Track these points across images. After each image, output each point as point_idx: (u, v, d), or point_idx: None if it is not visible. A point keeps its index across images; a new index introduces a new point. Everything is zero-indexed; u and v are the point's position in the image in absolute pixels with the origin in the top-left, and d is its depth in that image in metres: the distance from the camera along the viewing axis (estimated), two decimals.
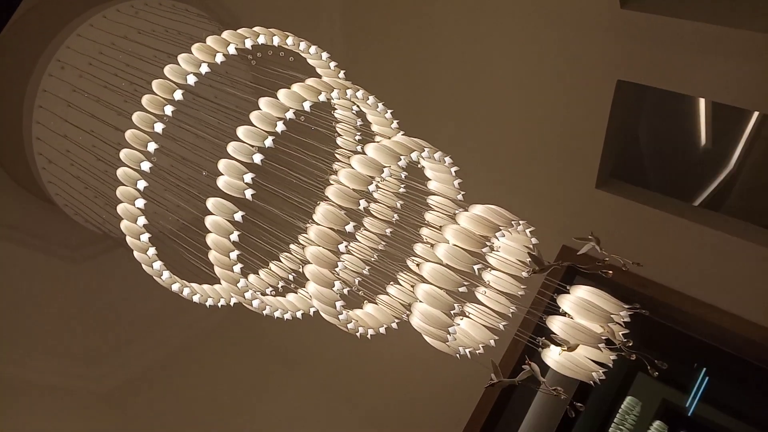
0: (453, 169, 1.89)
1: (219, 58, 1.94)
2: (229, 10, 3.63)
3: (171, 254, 2.09)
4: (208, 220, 1.77)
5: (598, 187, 3.45)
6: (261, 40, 2.01)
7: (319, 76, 2.08)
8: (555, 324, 1.48)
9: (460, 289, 1.58)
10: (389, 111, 2.07)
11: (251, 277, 2.02)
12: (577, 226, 3.08)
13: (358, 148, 2.10)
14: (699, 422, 5.92)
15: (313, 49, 2.14)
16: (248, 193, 1.71)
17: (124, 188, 1.92)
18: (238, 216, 1.74)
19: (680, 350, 4.38)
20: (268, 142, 1.71)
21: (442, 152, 1.85)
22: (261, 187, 1.75)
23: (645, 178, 5.23)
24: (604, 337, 1.45)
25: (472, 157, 3.51)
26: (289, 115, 1.76)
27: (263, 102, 1.77)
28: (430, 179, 1.93)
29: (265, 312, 2.06)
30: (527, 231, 1.67)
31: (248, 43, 2.01)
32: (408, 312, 1.68)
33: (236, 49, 1.98)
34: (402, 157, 1.71)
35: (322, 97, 1.82)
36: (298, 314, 2.10)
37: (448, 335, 1.59)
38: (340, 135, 2.21)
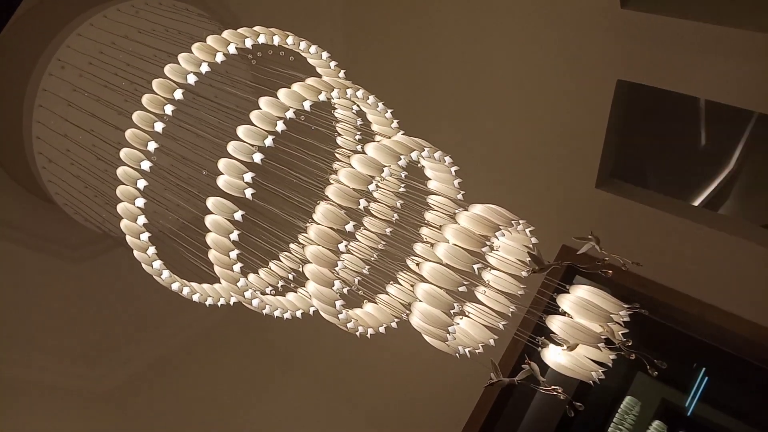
0: (453, 169, 1.89)
1: (219, 58, 1.94)
2: (229, 9, 3.63)
3: (171, 253, 2.09)
4: (208, 220, 1.77)
5: (598, 187, 3.45)
6: (261, 39, 2.02)
7: (320, 76, 2.08)
8: (555, 323, 1.48)
9: (460, 289, 1.58)
10: (389, 110, 2.07)
11: (251, 277, 2.02)
12: (577, 226, 3.08)
13: (358, 147, 2.10)
14: (698, 422, 5.93)
15: (313, 48, 2.14)
16: (248, 193, 1.71)
17: (124, 187, 1.92)
18: (238, 215, 1.74)
19: (680, 350, 4.38)
20: (268, 141, 1.71)
21: (441, 152, 1.85)
22: (261, 187, 1.75)
23: (645, 177, 5.23)
24: (603, 337, 1.45)
25: (472, 156, 3.52)
26: (289, 114, 1.76)
27: (263, 101, 1.77)
28: (430, 179, 1.94)
29: (264, 311, 2.06)
30: (527, 230, 1.67)
31: (248, 43, 2.01)
32: (408, 311, 1.68)
33: (236, 48, 1.98)
34: (402, 157, 1.71)
35: (322, 97, 1.82)
36: (298, 313, 2.10)
37: (447, 335, 1.59)
38: (340, 134, 2.21)
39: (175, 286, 2.10)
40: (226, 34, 1.99)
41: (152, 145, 1.87)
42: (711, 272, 3.17)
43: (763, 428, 5.39)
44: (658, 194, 3.54)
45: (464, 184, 1.92)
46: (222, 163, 1.73)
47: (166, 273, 2.07)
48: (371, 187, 1.66)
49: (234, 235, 1.76)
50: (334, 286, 1.70)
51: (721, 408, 5.81)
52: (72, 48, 2.79)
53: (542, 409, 4.30)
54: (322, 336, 3.68)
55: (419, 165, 1.92)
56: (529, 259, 1.62)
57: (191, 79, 1.90)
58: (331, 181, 1.71)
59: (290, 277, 2.08)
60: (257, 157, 1.71)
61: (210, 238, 1.80)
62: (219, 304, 2.13)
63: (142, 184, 1.91)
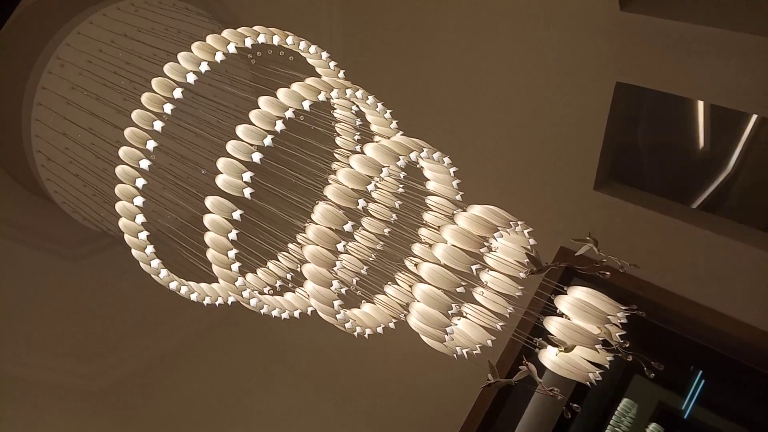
0: (452, 170, 1.90)
1: (219, 57, 1.94)
2: (229, 9, 3.63)
3: (169, 252, 2.09)
4: (207, 219, 1.77)
5: (596, 189, 3.46)
6: (261, 39, 2.02)
7: (319, 76, 2.08)
8: (552, 325, 1.49)
9: (458, 290, 1.58)
10: (388, 111, 2.08)
11: (249, 276, 2.02)
12: (575, 228, 3.08)
13: (357, 147, 2.10)
14: (695, 425, 5.93)
15: (312, 48, 2.14)
16: (247, 192, 1.72)
17: (122, 186, 1.92)
18: (236, 215, 1.74)
19: (676, 352, 4.38)
20: (268, 141, 1.71)
21: (440, 152, 1.85)
22: (260, 186, 1.75)
23: (643, 180, 5.24)
24: (600, 338, 1.46)
25: (471, 157, 3.52)
26: (289, 114, 1.76)
27: (263, 101, 1.77)
28: (428, 179, 1.94)
29: (262, 311, 2.06)
30: (525, 232, 1.67)
31: (248, 42, 2.01)
32: (406, 312, 1.69)
33: (236, 47, 1.98)
34: (401, 157, 1.71)
35: (321, 97, 1.82)
36: (296, 313, 2.10)
37: (445, 335, 1.59)
38: (339, 134, 2.21)
39: (173, 285, 2.10)
40: (226, 33, 1.99)
41: (151, 144, 1.87)
42: (708, 275, 3.17)
43: (760, 431, 5.39)
44: (656, 196, 3.54)
45: (463, 185, 1.92)
46: (221, 163, 1.73)
47: (164, 272, 2.07)
48: (370, 187, 1.66)
49: (232, 235, 1.76)
50: (332, 286, 1.70)
51: (717, 411, 5.81)
52: (71, 46, 2.79)
53: (539, 410, 4.30)
54: (319, 336, 3.68)
55: (418, 165, 1.92)
56: (527, 260, 1.62)
57: (191, 78, 1.91)
58: (330, 181, 1.71)
59: (288, 276, 2.08)
60: (256, 157, 1.71)
61: (208, 237, 1.80)
62: (217, 303, 2.14)
63: (140, 182, 1.91)
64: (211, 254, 1.83)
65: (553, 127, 3.52)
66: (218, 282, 1.95)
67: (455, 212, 1.67)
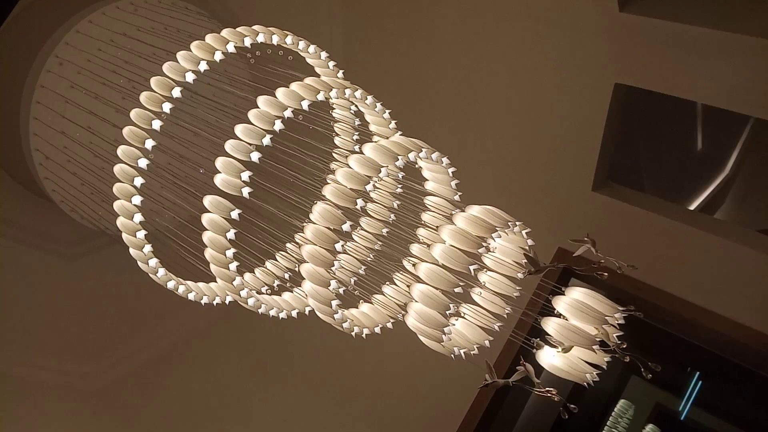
0: (450, 170, 1.90)
1: (218, 56, 1.94)
2: (228, 8, 3.63)
3: (167, 252, 2.09)
4: (205, 218, 1.77)
5: (594, 190, 3.46)
6: (260, 38, 2.02)
7: (318, 76, 2.08)
8: (550, 325, 1.49)
9: (456, 290, 1.58)
10: (387, 111, 2.08)
11: (247, 276, 2.02)
12: (573, 228, 3.09)
13: (356, 147, 2.10)
14: (692, 426, 5.94)
15: (312, 48, 2.14)
16: (245, 192, 1.72)
17: (120, 185, 1.92)
18: (234, 214, 1.74)
19: (674, 353, 4.39)
20: (266, 140, 1.71)
21: (439, 153, 1.85)
22: (258, 186, 1.75)
23: (641, 181, 5.25)
24: (598, 339, 1.46)
25: (470, 157, 3.52)
26: (288, 113, 1.76)
27: (262, 100, 1.77)
28: (427, 179, 1.94)
29: (260, 311, 2.06)
30: (523, 232, 1.67)
31: (247, 42, 2.01)
32: (403, 312, 1.69)
33: (235, 47, 1.98)
34: (399, 157, 1.71)
35: (320, 96, 1.82)
36: (294, 313, 2.10)
37: (443, 335, 1.59)
38: (338, 134, 2.21)
39: (170, 285, 2.09)
40: (225, 32, 1.99)
41: (150, 143, 1.87)
42: (706, 276, 3.18)
43: None
44: (655, 198, 3.55)
45: (461, 186, 1.92)
46: (220, 162, 1.73)
47: (161, 271, 2.06)
48: (368, 187, 1.66)
49: (231, 234, 1.76)
50: (330, 286, 1.70)
51: (714, 412, 5.83)
52: (70, 45, 2.79)
53: (536, 410, 4.30)
54: (317, 336, 3.68)
55: (417, 166, 1.92)
56: (525, 260, 1.62)
57: (190, 78, 1.90)
58: (329, 181, 1.72)
59: (286, 276, 2.08)
60: (255, 156, 1.71)
61: (207, 236, 1.80)
62: (215, 303, 2.13)
63: (139, 181, 1.91)
64: (209, 253, 1.83)
65: (551, 127, 3.53)
66: (216, 281, 1.95)
67: (454, 212, 1.67)
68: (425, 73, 3.89)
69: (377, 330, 1.94)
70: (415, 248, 1.83)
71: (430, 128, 3.75)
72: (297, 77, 1.88)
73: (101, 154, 2.27)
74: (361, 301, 1.94)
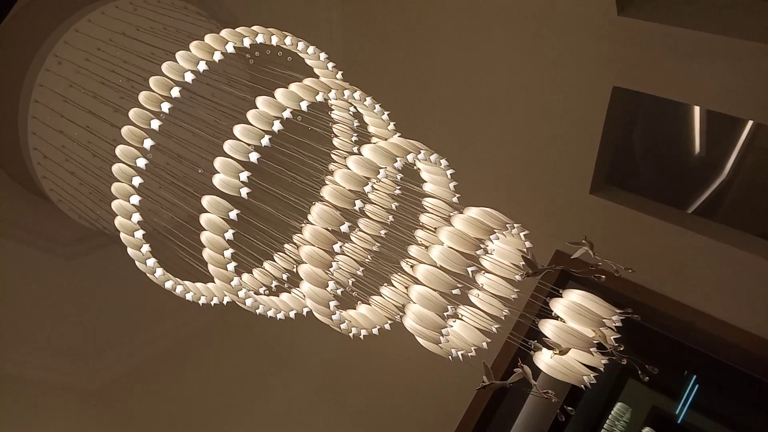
0: (449, 172, 1.90)
1: (217, 57, 1.94)
2: (227, 9, 3.63)
3: (165, 252, 2.09)
4: (203, 218, 1.77)
5: (592, 193, 3.47)
6: (259, 39, 2.02)
7: (317, 77, 2.08)
8: (547, 327, 1.49)
9: (454, 292, 1.58)
10: (386, 112, 2.08)
11: (245, 276, 2.02)
12: (571, 231, 3.09)
13: (355, 148, 2.10)
14: (688, 429, 5.94)
15: (311, 49, 2.14)
16: (244, 192, 1.71)
17: (119, 184, 1.92)
18: (233, 214, 1.74)
19: (671, 357, 4.40)
20: (265, 141, 1.71)
21: (437, 154, 1.85)
22: (257, 186, 1.75)
23: (639, 184, 5.26)
24: (595, 342, 1.46)
25: (468, 159, 3.52)
26: (286, 114, 1.76)
27: (260, 101, 1.77)
28: (425, 181, 1.94)
29: (258, 311, 2.06)
30: (521, 234, 1.67)
31: (246, 42, 2.01)
32: (401, 313, 1.69)
33: (234, 47, 1.98)
34: (398, 159, 1.71)
35: (319, 98, 1.82)
36: (291, 314, 2.10)
37: (440, 337, 1.59)
38: (336, 135, 2.21)
39: (168, 285, 2.09)
40: (225, 33, 1.99)
41: (148, 143, 1.87)
42: (703, 280, 3.18)
43: None
44: (652, 201, 3.56)
45: (460, 187, 1.93)
46: (218, 162, 1.73)
47: (159, 271, 2.06)
48: (367, 188, 1.66)
49: (229, 234, 1.76)
50: (328, 286, 1.70)
51: (711, 416, 5.83)
52: (69, 44, 2.79)
53: (534, 412, 4.30)
54: (315, 337, 3.67)
55: (415, 167, 1.92)
56: (523, 262, 1.62)
57: (188, 78, 1.90)
58: (327, 182, 1.72)
59: (284, 277, 2.08)
60: (253, 157, 1.71)
61: (205, 236, 1.79)
62: (212, 303, 2.13)
63: (137, 181, 1.90)
64: (207, 254, 1.83)
65: (550, 130, 3.53)
66: (214, 281, 1.95)
67: (452, 214, 1.67)
68: (424, 76, 3.89)
69: (375, 331, 1.94)
70: (413, 250, 1.83)
71: (429, 130, 3.75)
72: (296, 78, 1.89)
73: (100, 153, 2.27)
74: (359, 302, 1.94)
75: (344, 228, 1.65)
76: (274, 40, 2.05)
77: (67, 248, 3.41)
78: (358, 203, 1.68)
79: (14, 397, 3.10)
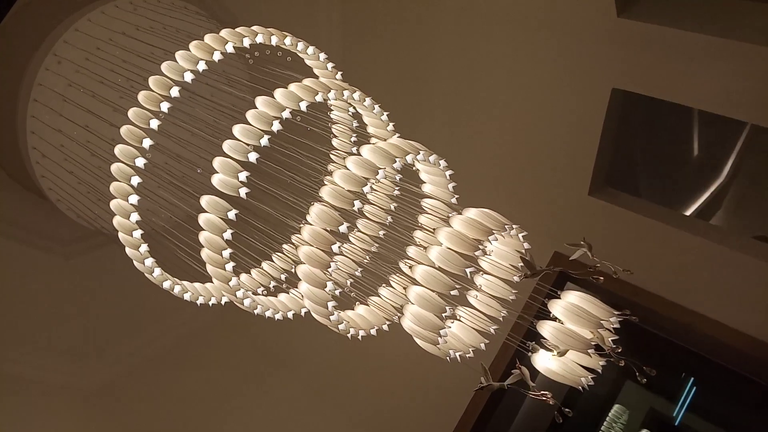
0: (448, 173, 1.90)
1: (217, 56, 1.94)
2: (227, 9, 3.63)
3: (163, 251, 2.09)
4: (202, 218, 1.77)
5: (590, 194, 3.47)
6: (259, 39, 2.02)
7: (317, 77, 2.08)
8: (545, 329, 1.49)
9: (452, 292, 1.58)
10: (385, 113, 2.08)
11: (243, 276, 2.02)
12: (569, 233, 3.10)
13: (354, 149, 2.10)
14: None
15: (310, 49, 2.14)
16: (243, 192, 1.71)
17: (117, 184, 1.92)
18: (231, 214, 1.74)
19: (668, 359, 4.40)
20: (264, 141, 1.71)
21: (437, 155, 1.85)
22: (255, 186, 1.75)
23: (638, 186, 5.27)
24: (593, 343, 1.46)
25: (467, 160, 3.53)
26: (286, 114, 1.76)
27: (260, 101, 1.77)
28: (424, 182, 1.94)
29: (256, 311, 2.06)
30: (520, 235, 1.67)
31: (246, 42, 2.01)
32: (399, 314, 1.69)
33: (234, 47, 1.98)
34: (397, 159, 1.71)
35: (318, 98, 1.82)
36: (290, 314, 2.10)
37: (438, 338, 1.60)
38: (335, 136, 2.21)
39: (166, 285, 2.09)
40: (224, 32, 1.99)
41: (147, 142, 1.87)
42: (701, 282, 3.19)
43: None
44: (651, 203, 3.56)
45: (458, 188, 1.93)
46: (217, 162, 1.73)
47: (157, 271, 2.06)
48: (366, 189, 1.66)
49: (227, 234, 1.76)
50: (326, 287, 1.70)
51: (708, 418, 5.83)
52: (69, 43, 2.79)
53: (531, 414, 4.31)
54: (312, 338, 3.67)
55: (414, 168, 1.92)
56: (522, 264, 1.62)
57: (188, 77, 1.90)
58: (326, 182, 1.72)
59: (282, 277, 2.08)
60: (252, 157, 1.71)
61: (203, 236, 1.79)
62: (210, 303, 2.13)
63: (136, 180, 1.90)
64: (205, 253, 1.82)
65: (549, 132, 3.53)
66: (212, 282, 1.95)
67: (450, 215, 1.67)
68: (423, 77, 3.90)
69: (373, 332, 1.94)
70: (411, 250, 1.83)
71: (428, 131, 3.75)
72: (295, 78, 1.89)
73: (98, 152, 2.27)
74: (357, 302, 1.94)
75: (343, 228, 1.65)
76: (274, 40, 2.05)
77: (66, 247, 3.41)
78: (357, 204, 1.68)
79: (11, 396, 3.10)
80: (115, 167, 1.92)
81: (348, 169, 1.68)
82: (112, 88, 2.40)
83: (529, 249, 1.68)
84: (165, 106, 1.87)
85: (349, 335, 1.89)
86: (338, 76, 2.18)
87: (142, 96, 1.89)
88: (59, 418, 3.33)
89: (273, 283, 2.06)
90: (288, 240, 1.99)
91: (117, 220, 1.96)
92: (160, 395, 3.73)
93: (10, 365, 3.15)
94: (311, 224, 1.65)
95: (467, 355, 1.70)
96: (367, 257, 2.00)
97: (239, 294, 1.96)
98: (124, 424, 3.53)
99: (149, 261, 2.03)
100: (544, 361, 1.51)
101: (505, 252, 1.72)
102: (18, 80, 2.78)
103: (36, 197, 3.18)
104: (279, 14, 3.72)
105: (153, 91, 1.88)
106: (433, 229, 1.68)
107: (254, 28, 2.04)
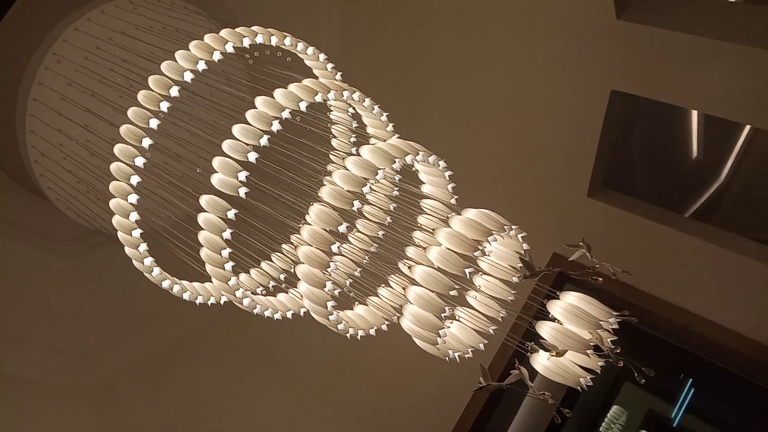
0: (447, 174, 1.90)
1: (216, 56, 1.94)
2: (227, 8, 3.63)
3: (162, 251, 2.09)
4: (201, 218, 1.77)
5: (589, 196, 3.47)
6: (259, 39, 2.02)
7: (316, 77, 2.08)
8: (544, 329, 1.49)
9: (451, 293, 1.58)
10: (385, 114, 2.08)
11: (242, 276, 2.02)
12: (568, 234, 3.09)
13: (353, 149, 2.10)
14: None
15: (310, 50, 2.14)
16: (242, 192, 1.71)
17: (117, 183, 1.92)
18: (231, 214, 1.74)
19: (667, 360, 4.40)
20: (264, 141, 1.71)
21: (436, 156, 1.85)
22: (255, 186, 1.75)
23: (636, 187, 5.27)
24: (592, 344, 1.46)
25: (466, 161, 3.53)
26: (285, 114, 1.76)
27: (259, 101, 1.77)
28: (423, 182, 1.94)
29: (255, 311, 2.06)
30: (519, 236, 1.68)
31: (246, 42, 2.01)
32: (399, 314, 1.69)
33: (234, 47, 1.98)
34: (396, 160, 1.72)
35: (318, 98, 1.82)
36: (289, 314, 2.10)
37: (437, 338, 1.60)
38: (335, 136, 2.21)
39: (165, 284, 2.09)
40: (224, 32, 1.99)
41: (147, 142, 1.87)
42: (700, 283, 3.19)
43: None
44: (649, 204, 3.56)
45: (457, 189, 1.93)
46: (217, 162, 1.73)
47: (156, 270, 2.06)
48: (365, 189, 1.66)
49: (227, 234, 1.76)
50: (325, 287, 1.70)
51: (706, 419, 5.83)
52: (68, 42, 2.79)
53: (530, 414, 4.30)
54: (312, 338, 3.68)
55: (413, 168, 1.92)
56: (521, 264, 1.62)
57: (188, 77, 1.90)
58: (325, 182, 1.72)
59: (281, 277, 2.08)
60: (252, 156, 1.71)
61: (202, 236, 1.79)
62: (209, 303, 2.13)
63: (135, 180, 1.90)
64: (204, 253, 1.82)
65: (547, 133, 3.54)
66: (211, 281, 1.95)
67: (450, 215, 1.67)
68: (423, 78, 3.90)
69: (372, 332, 1.94)
70: (410, 251, 1.83)
71: (428, 131, 3.75)
72: (295, 78, 1.89)
73: (98, 152, 2.27)
74: (356, 302, 1.94)
75: (342, 229, 1.65)
76: (274, 41, 2.06)
77: (65, 247, 3.41)
78: (357, 204, 1.68)
79: (9, 395, 3.10)
80: (114, 166, 1.92)
81: (347, 169, 1.68)
82: (112, 88, 2.40)
83: (528, 250, 1.69)
84: (165, 106, 1.87)
85: (348, 335, 1.89)
86: (338, 76, 2.18)
87: (141, 95, 1.89)
88: (59, 418, 3.32)
89: (272, 283, 2.06)
90: (287, 240, 2.00)
91: (116, 220, 1.96)
92: (160, 395, 3.72)
93: (10, 365, 3.15)
94: (310, 224, 1.65)
95: (466, 356, 1.70)
96: (367, 257, 2.00)
97: (238, 293, 1.96)
98: (124, 424, 3.53)
99: (148, 260, 2.03)
100: (542, 362, 1.51)
101: (504, 253, 1.73)
102: (17, 79, 2.78)
103: (35, 196, 3.18)
104: (279, 14, 3.72)
105: (153, 90, 1.88)
106: (433, 230, 1.68)
107: (254, 28, 2.04)
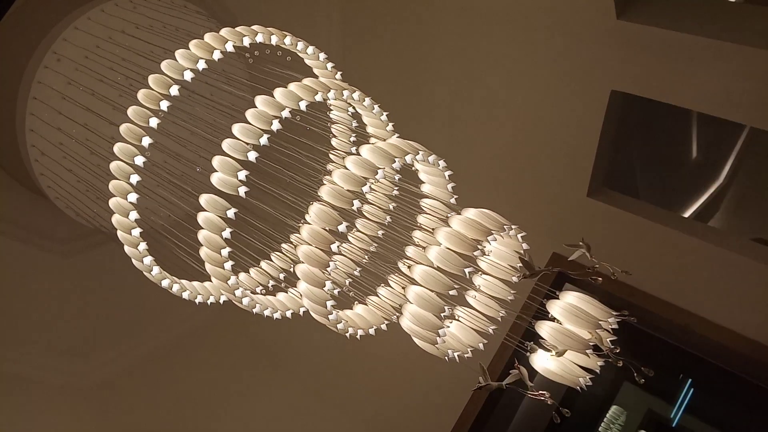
0: (447, 173, 1.90)
1: (216, 55, 1.94)
2: (227, 8, 3.63)
3: (162, 250, 2.09)
4: (201, 217, 1.77)
5: (589, 196, 3.47)
6: (259, 38, 2.02)
7: (316, 77, 2.08)
8: (544, 329, 1.49)
9: (451, 292, 1.58)
10: (385, 113, 2.08)
11: (242, 275, 2.01)
12: (568, 234, 3.09)
13: (353, 149, 2.10)
14: None
15: (310, 49, 2.14)
16: (242, 191, 1.71)
17: (116, 182, 1.92)
18: (230, 213, 1.74)
19: (666, 360, 4.40)
20: (264, 140, 1.71)
21: (436, 155, 1.85)
22: (255, 186, 1.75)
23: (636, 187, 5.27)
24: (591, 343, 1.46)
25: (467, 161, 3.53)
26: (285, 113, 1.76)
27: (259, 100, 1.77)
28: (423, 182, 1.94)
29: (254, 310, 2.06)
30: (518, 236, 1.67)
31: (246, 41, 2.01)
32: (398, 314, 1.69)
33: (234, 46, 1.98)
34: (396, 159, 1.71)
35: (318, 97, 1.82)
36: (288, 314, 2.10)
37: (437, 338, 1.60)
38: (335, 136, 2.21)
39: (165, 283, 2.09)
40: (224, 32, 1.99)
41: (146, 141, 1.87)
42: (699, 283, 3.19)
43: None
44: (649, 205, 3.56)
45: (457, 189, 1.93)
46: (216, 161, 1.73)
47: (156, 269, 2.06)
48: (365, 188, 1.66)
49: (226, 233, 1.76)
50: (325, 286, 1.70)
51: (706, 419, 5.84)
52: (68, 41, 2.79)
53: (529, 414, 4.31)
54: (311, 337, 3.68)
55: (413, 168, 1.92)
56: (520, 264, 1.62)
57: (187, 76, 1.90)
58: (325, 182, 1.72)
59: (281, 276, 2.08)
60: (252, 156, 1.71)
61: (202, 235, 1.79)
62: (209, 302, 2.13)
63: (135, 179, 1.90)
64: (204, 252, 1.82)
65: (548, 133, 3.54)
66: (211, 280, 1.95)
67: (449, 215, 1.67)
68: (423, 77, 3.90)
69: (371, 331, 1.94)
70: (410, 250, 1.83)
71: (427, 131, 3.75)
72: (295, 78, 1.89)
73: (98, 151, 2.27)
74: (355, 302, 1.94)
75: (342, 228, 1.65)
76: (274, 40, 2.05)
77: (64, 246, 3.41)
78: (356, 203, 1.68)
79: (8, 395, 3.10)
80: (114, 165, 1.92)
81: (347, 168, 1.68)
82: (112, 86, 2.40)
83: (528, 249, 1.68)
84: (164, 105, 1.87)
85: (347, 334, 1.89)
86: (338, 75, 2.18)
87: (141, 94, 1.89)
88: (59, 418, 3.32)
89: (272, 282, 2.06)
90: (287, 239, 1.99)
91: (116, 219, 1.96)
92: (160, 394, 3.72)
93: (10, 365, 3.14)
94: (310, 223, 1.65)
95: (466, 355, 1.70)
96: (366, 257, 2.00)
97: (238, 293, 1.96)
98: (124, 423, 3.53)
99: (148, 259, 2.03)
100: (542, 361, 1.51)
101: (503, 252, 1.73)
102: (17, 78, 2.77)
103: (34, 195, 3.18)
104: (279, 14, 3.72)
105: (152, 89, 1.88)
106: (432, 229, 1.68)
107: (254, 27, 2.04)
